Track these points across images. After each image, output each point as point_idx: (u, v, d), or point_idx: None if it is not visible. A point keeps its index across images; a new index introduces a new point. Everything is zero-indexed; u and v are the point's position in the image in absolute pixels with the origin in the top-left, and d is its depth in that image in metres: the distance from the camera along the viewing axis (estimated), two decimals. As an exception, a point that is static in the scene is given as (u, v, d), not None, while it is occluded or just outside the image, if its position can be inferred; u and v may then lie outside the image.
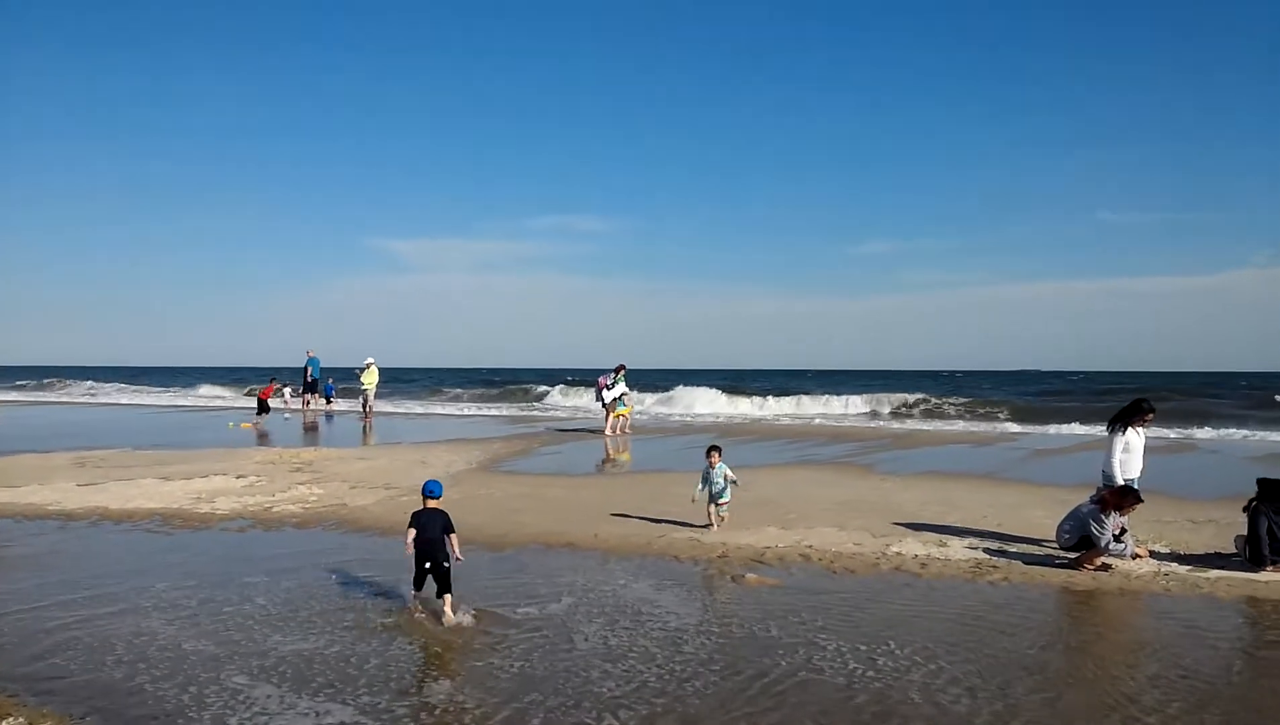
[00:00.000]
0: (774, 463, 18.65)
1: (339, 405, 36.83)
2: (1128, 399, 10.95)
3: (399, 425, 29.64)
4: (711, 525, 10.86)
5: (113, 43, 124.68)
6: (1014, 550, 9.98)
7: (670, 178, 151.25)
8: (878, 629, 7.13)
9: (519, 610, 7.57)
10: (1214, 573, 8.97)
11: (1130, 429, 10.20)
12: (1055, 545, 9.71)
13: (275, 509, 12.41)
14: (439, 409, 40.14)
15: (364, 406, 31.48)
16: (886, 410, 37.98)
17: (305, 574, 8.79)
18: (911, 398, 40.68)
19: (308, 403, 34.69)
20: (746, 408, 39.24)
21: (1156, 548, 9.97)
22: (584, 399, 43.69)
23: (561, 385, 50.70)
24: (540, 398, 47.58)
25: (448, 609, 7.26)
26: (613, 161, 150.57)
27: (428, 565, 7.50)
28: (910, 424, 32.48)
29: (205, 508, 12.45)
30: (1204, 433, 26.52)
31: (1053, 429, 28.74)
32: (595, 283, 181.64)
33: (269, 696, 5.64)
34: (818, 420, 33.84)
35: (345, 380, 39.31)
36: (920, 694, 5.76)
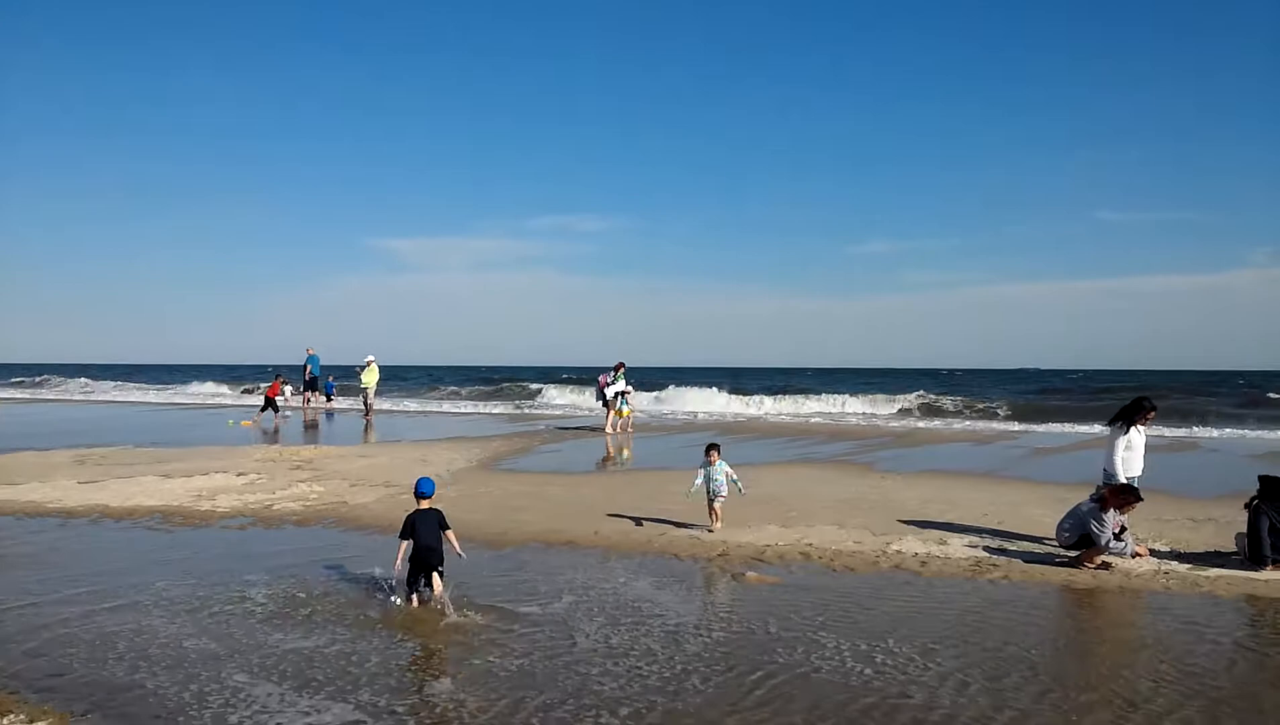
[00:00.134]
0: (774, 461, 18.66)
1: (339, 403, 36.83)
2: (1128, 398, 10.95)
3: (399, 423, 29.65)
4: (714, 525, 10.76)
5: (109, 41, 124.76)
6: (1014, 548, 9.98)
7: (669, 177, 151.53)
8: (878, 627, 7.13)
9: (519, 608, 7.57)
10: (1214, 571, 8.98)
11: (1132, 427, 10.21)
12: (1055, 543, 9.71)
13: (276, 507, 12.41)
14: (434, 407, 40.15)
15: (365, 404, 31.49)
16: (886, 409, 37.97)
17: (305, 572, 8.79)
18: (911, 396, 40.68)
19: (308, 400, 34.69)
20: (746, 406, 39.21)
21: (1156, 546, 9.98)
22: (578, 397, 43.72)
23: (554, 383, 50.70)
24: (534, 396, 47.51)
25: (438, 592, 7.51)
26: (612, 161, 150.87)
27: (435, 569, 7.56)
28: (910, 422, 32.49)
29: (206, 505, 12.46)
30: (1203, 431, 26.55)
31: (1052, 428, 28.77)
32: (594, 282, 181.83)
33: (269, 695, 5.65)
34: (817, 418, 33.84)
35: (345, 378, 39.34)
36: (920, 692, 5.77)
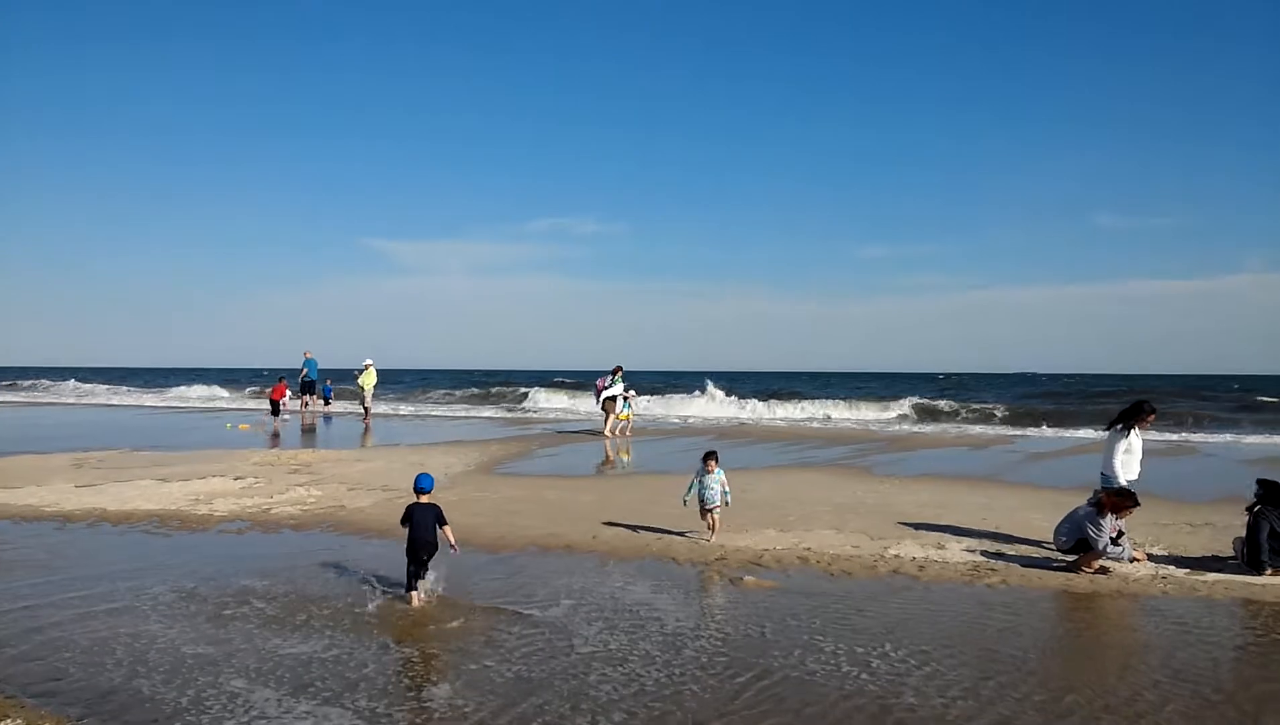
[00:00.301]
0: (772, 465, 18.66)
1: (336, 407, 36.80)
2: (1125, 402, 10.95)
3: (397, 427, 29.63)
4: (706, 534, 10.59)
5: (106, 39, 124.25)
6: (1012, 553, 9.99)
7: (666, 181, 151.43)
8: (875, 631, 7.14)
9: (518, 612, 7.57)
10: (1211, 576, 8.99)
11: (1132, 430, 10.21)
12: (1053, 548, 9.72)
13: (273, 511, 12.40)
14: (425, 410, 40.13)
15: (363, 407, 31.49)
16: (883, 413, 37.95)
17: (303, 576, 8.79)
18: (908, 401, 40.66)
19: (305, 404, 34.68)
20: (743, 410, 39.19)
21: (1154, 550, 9.99)
22: (568, 400, 43.64)
23: (544, 387, 50.54)
24: (521, 399, 47.30)
25: (416, 597, 7.78)
26: (609, 164, 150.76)
27: (423, 558, 7.82)
28: (907, 426, 32.51)
29: (203, 509, 12.45)
30: (1199, 436, 26.59)
31: (1050, 432, 28.79)
32: (591, 285, 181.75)
33: (267, 700, 5.64)
34: (814, 423, 33.86)
35: (342, 382, 39.33)
36: (917, 696, 5.77)
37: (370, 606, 7.75)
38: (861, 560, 9.61)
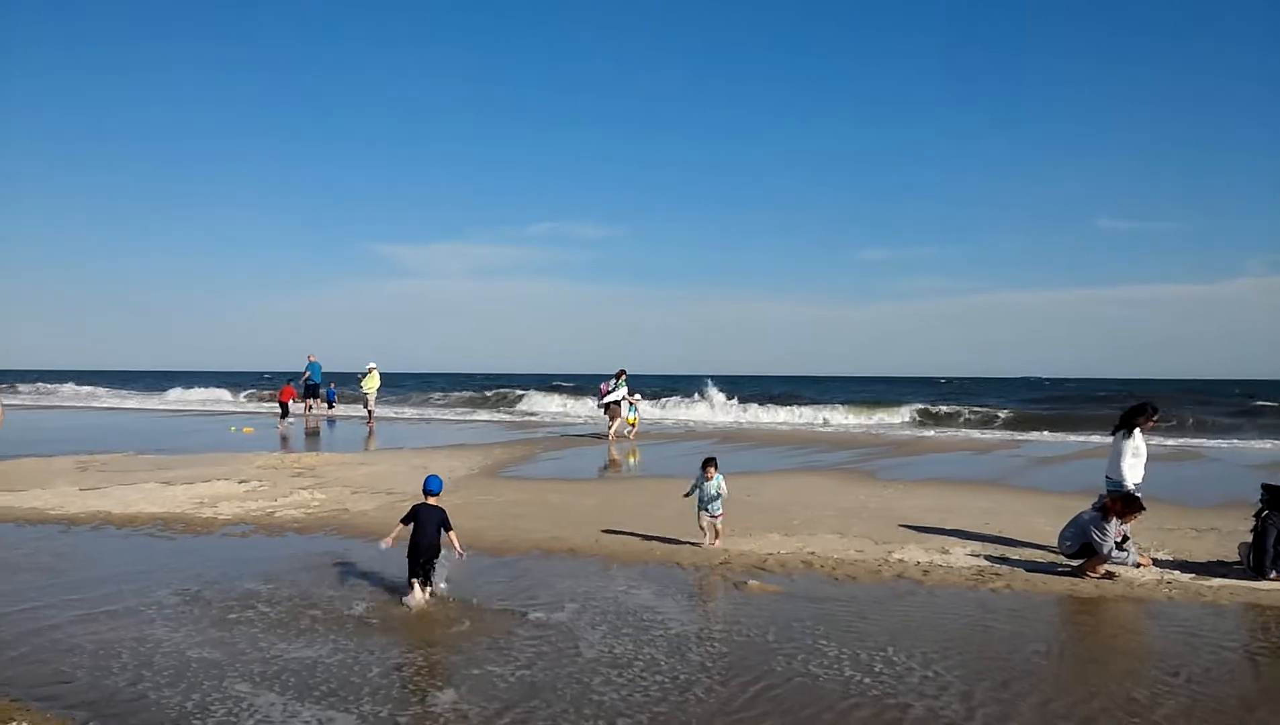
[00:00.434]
0: (776, 469, 18.66)
1: (339, 410, 36.85)
2: (1128, 405, 10.91)
3: (400, 430, 29.66)
4: (703, 541, 10.33)
5: (109, 41, 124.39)
6: (1016, 557, 9.98)
7: (667, 183, 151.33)
8: (879, 636, 7.13)
9: (522, 616, 7.57)
10: (1217, 581, 8.97)
11: (1135, 432, 10.17)
12: (1058, 552, 9.70)
13: (277, 514, 12.41)
14: (419, 412, 40.18)
15: (366, 411, 31.53)
16: (887, 417, 37.90)
17: (307, 580, 8.79)
18: (912, 405, 40.63)
19: (309, 407, 34.71)
20: (746, 414, 39.16)
21: (1159, 555, 9.97)
22: (565, 404, 43.53)
23: (542, 391, 50.51)
24: (515, 402, 47.16)
25: (416, 592, 7.85)
26: (610, 167, 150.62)
27: (421, 560, 7.89)
28: (911, 431, 32.49)
29: (208, 512, 12.46)
30: (1202, 440, 26.55)
31: (1053, 436, 28.76)
32: (593, 289, 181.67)
33: (272, 704, 5.64)
34: (817, 426, 33.84)
35: (344, 385, 39.39)
36: (920, 701, 5.76)
37: (375, 610, 7.75)
38: (866, 565, 9.60)
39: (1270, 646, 7.07)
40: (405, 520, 8.09)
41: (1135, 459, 10.08)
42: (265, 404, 46.94)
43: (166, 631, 7.11)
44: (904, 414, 38.10)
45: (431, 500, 8.14)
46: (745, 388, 54.54)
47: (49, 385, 66.88)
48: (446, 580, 8.17)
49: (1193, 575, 9.21)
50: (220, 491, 14.36)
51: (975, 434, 30.65)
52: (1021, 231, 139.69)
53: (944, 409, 40.03)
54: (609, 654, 6.65)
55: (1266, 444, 25.59)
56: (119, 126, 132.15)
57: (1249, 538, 9.29)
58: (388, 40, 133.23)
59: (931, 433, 30.96)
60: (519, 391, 50.65)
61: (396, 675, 6.22)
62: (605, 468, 19.54)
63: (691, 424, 34.25)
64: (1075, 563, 9.29)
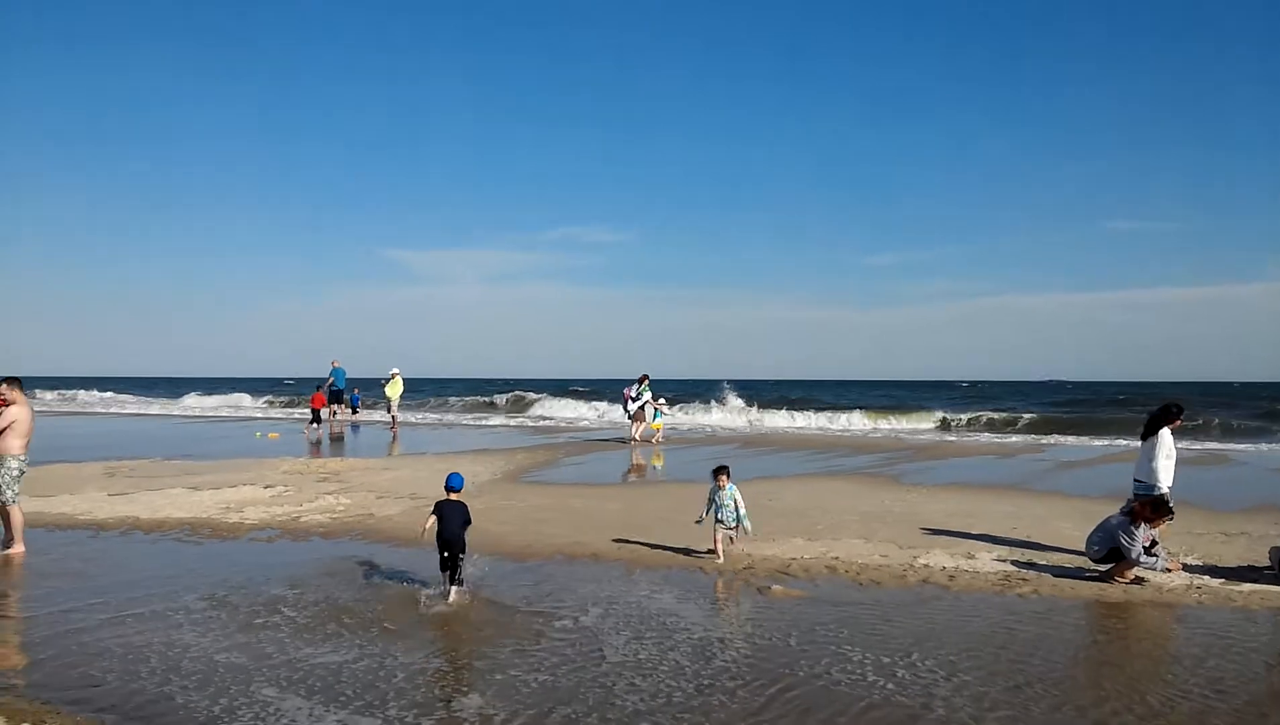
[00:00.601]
0: (798, 473, 18.60)
1: (362, 415, 37.06)
2: (1152, 408, 10.78)
3: (423, 436, 29.79)
4: (719, 557, 9.91)
5: (125, 45, 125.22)
6: (1043, 562, 9.90)
7: (678, 188, 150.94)
8: (905, 641, 7.09)
9: (546, 621, 7.58)
10: (1247, 586, 8.86)
11: (1167, 433, 10.06)
12: (1085, 557, 9.61)
13: (303, 519, 12.50)
14: (440, 417, 40.29)
15: (390, 416, 31.70)
16: (907, 421, 37.70)
17: (333, 584, 8.84)
18: (934, 409, 40.43)
19: (334, 413, 34.90)
20: (766, 418, 39.06)
21: (1188, 560, 9.86)
22: (583, 408, 43.48)
23: (554, 395, 50.62)
24: (531, 407, 47.11)
25: (452, 593, 8.12)
26: (621, 172, 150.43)
27: (446, 554, 8.19)
28: (933, 435, 32.32)
29: (234, 517, 12.56)
30: (1228, 444, 26.25)
31: (1079, 440, 28.53)
32: (605, 293, 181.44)
33: (299, 709, 5.67)
34: (837, 431, 33.71)
35: (368, 391, 39.62)
36: (945, 707, 5.72)
37: (400, 615, 7.78)
38: (890, 569, 9.55)
39: (1303, 652, 6.98)
40: (434, 513, 8.40)
41: (1168, 461, 9.96)
42: (288, 410, 47.27)
43: (194, 636, 7.17)
44: (926, 417, 37.90)
45: (454, 497, 8.40)
46: (759, 392, 54.48)
47: (69, 391, 67.58)
48: (478, 583, 8.48)
49: (1222, 580, 9.10)
50: (246, 497, 14.47)
51: (998, 438, 30.44)
52: (1029, 232, 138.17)
53: (965, 413, 39.83)
54: (633, 659, 6.64)
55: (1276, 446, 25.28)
56: (118, 127, 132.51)
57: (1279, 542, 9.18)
58: (401, 50, 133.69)
59: (953, 436, 30.78)
60: (535, 396, 50.73)
61: (421, 680, 6.24)
62: (628, 472, 19.55)
63: (710, 428, 34.19)
64: (1103, 568, 9.20)
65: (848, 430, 33.77)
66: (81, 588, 8.73)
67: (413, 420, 37.28)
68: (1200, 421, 31.25)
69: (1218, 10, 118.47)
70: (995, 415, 38.25)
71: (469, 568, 8.48)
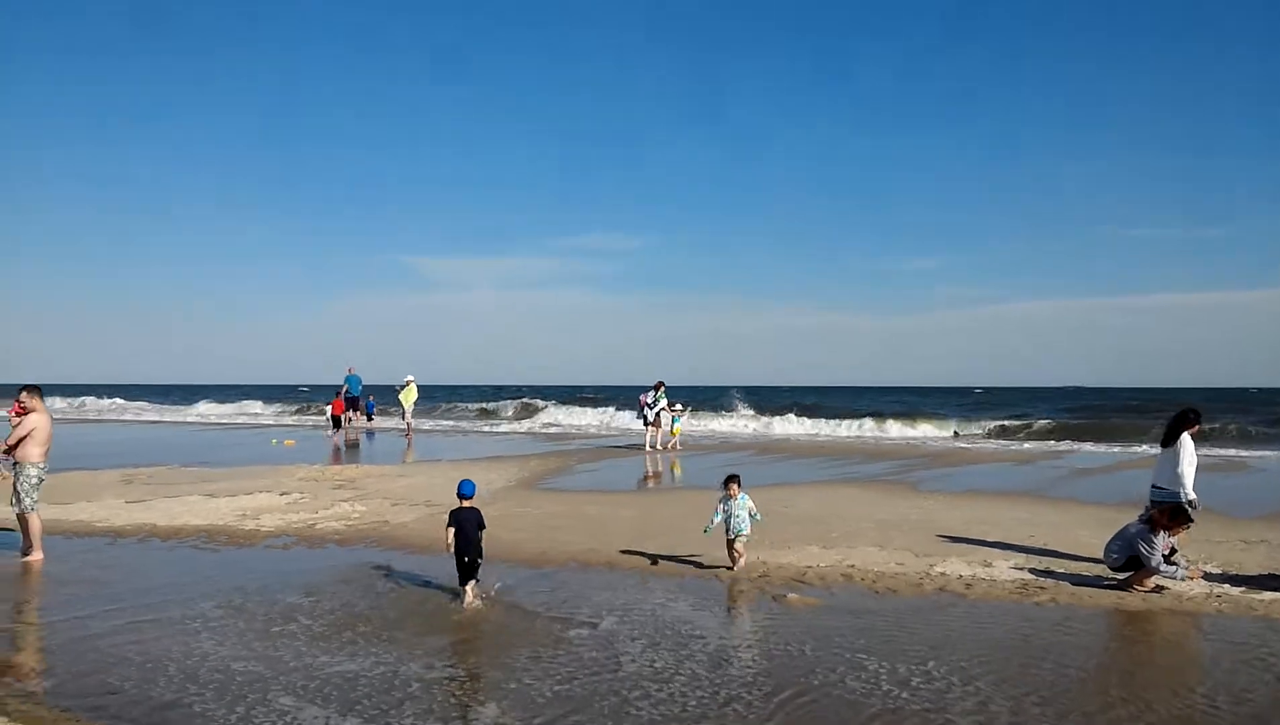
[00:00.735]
0: (813, 480, 18.54)
1: (377, 422, 37.20)
2: (1170, 415, 10.67)
3: (437, 442, 29.86)
4: (735, 566, 9.76)
5: (143, 51, 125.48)
6: (1061, 570, 9.83)
7: (698, 193, 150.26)
8: (920, 650, 7.05)
9: (561, 629, 7.58)
10: (1269, 594, 8.77)
11: (1187, 438, 9.97)
12: (1104, 565, 9.54)
13: (319, 526, 12.54)
14: (446, 424, 40.42)
15: (404, 423, 31.83)
16: (924, 427, 37.53)
17: (349, 592, 8.87)
18: (950, 416, 40.27)
19: (349, 419, 35.06)
20: (781, 425, 38.96)
21: (1208, 568, 9.77)
22: (595, 415, 43.36)
23: (566, 401, 50.57)
24: (546, 414, 47.00)
25: (469, 594, 8.33)
26: (639, 178, 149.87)
27: (465, 559, 8.38)
28: (949, 442, 32.18)
29: (250, 525, 12.61)
30: (1246, 451, 26.05)
31: (1094, 446, 28.35)
32: (623, 299, 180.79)
33: (315, 718, 5.69)
34: (853, 437, 33.61)
35: (382, 398, 39.73)
36: (960, 716, 5.68)
37: (415, 623, 7.80)
38: (907, 578, 9.51)
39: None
40: (450, 526, 8.50)
41: (1191, 468, 9.86)
42: (302, 417, 47.48)
43: (211, 643, 7.19)
44: (941, 423, 37.71)
45: (466, 503, 8.54)
46: (771, 398, 54.40)
47: (76, 398, 67.90)
48: (495, 589, 8.67)
49: (1243, 589, 9.01)
50: (262, 504, 14.53)
51: (1015, 445, 30.29)
52: (1044, 237, 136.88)
53: (982, 419, 39.63)
54: (649, 667, 6.63)
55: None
56: (145, 134, 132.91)
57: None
58: (420, 56, 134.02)
59: (970, 443, 30.65)
60: (550, 403, 50.66)
61: (437, 688, 6.24)
62: (642, 479, 19.54)
63: (724, 435, 34.15)
64: (1122, 576, 9.14)
65: (862, 437, 33.66)
66: (99, 595, 8.78)
67: (426, 427, 37.36)
68: (1217, 425, 30.98)
69: (1249, 14, 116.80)
70: (1010, 423, 38.03)
71: (484, 575, 8.58)
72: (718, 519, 9.81)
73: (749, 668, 6.66)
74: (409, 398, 31.94)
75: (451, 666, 6.75)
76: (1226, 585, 9.14)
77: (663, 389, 24.95)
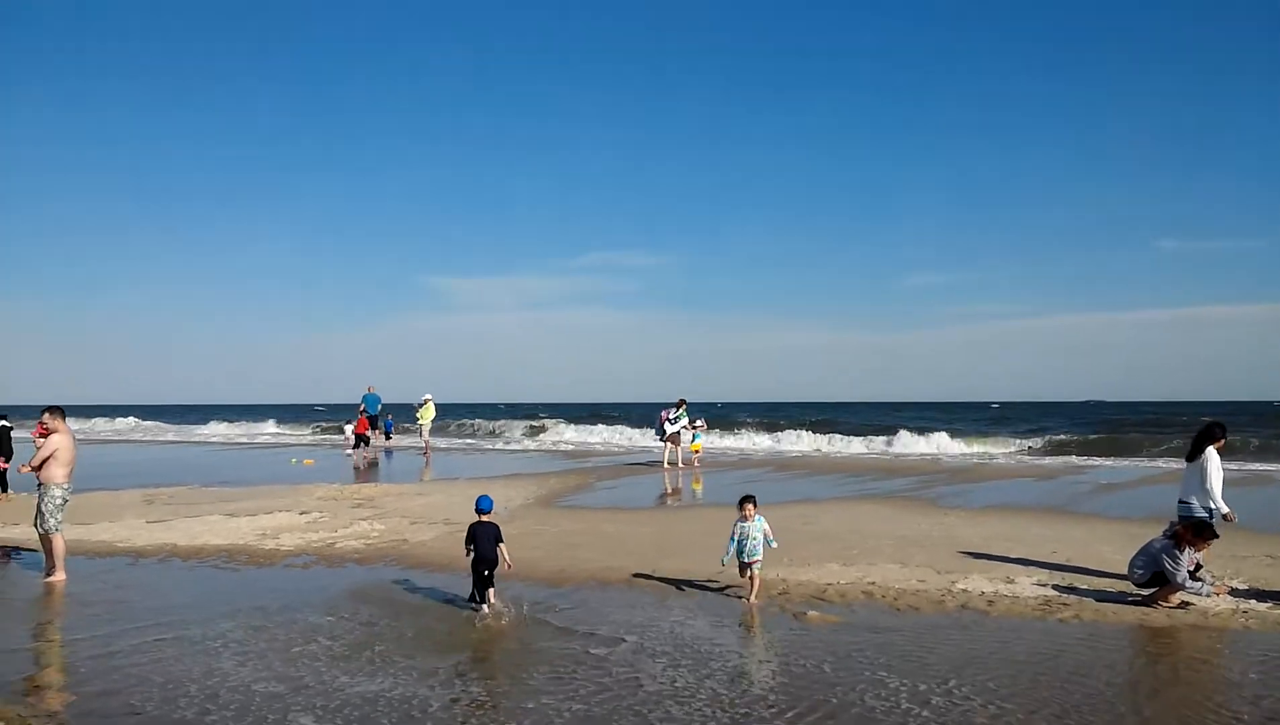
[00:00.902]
0: (833, 497, 18.45)
1: (395, 441, 37.28)
2: (1194, 430, 10.57)
3: (455, 461, 29.91)
4: (750, 596, 9.24)
5: (160, 72, 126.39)
6: (1085, 587, 9.73)
7: (715, 211, 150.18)
8: (941, 668, 6.98)
9: (581, 648, 7.55)
10: (1296, 610, 8.66)
11: (1214, 452, 9.86)
12: (1128, 582, 9.44)
13: (338, 545, 12.57)
14: (464, 443, 40.51)
15: (422, 442, 31.92)
16: (944, 443, 37.24)
17: (368, 611, 8.87)
18: (968, 432, 40.00)
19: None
20: (799, 442, 38.78)
21: (1234, 584, 9.65)
22: (614, 433, 43.20)
23: (584, 419, 50.51)
24: (564, 432, 46.81)
25: (491, 600, 8.70)
26: (659, 197, 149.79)
27: (486, 573, 8.66)
28: (969, 459, 31.96)
29: (270, 544, 12.66)
30: (1271, 464, 25.73)
31: (1116, 461, 28.10)
32: (642, 318, 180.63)
33: (336, 736, 5.68)
34: (871, 453, 33.43)
35: (400, 418, 39.82)
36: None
37: (435, 643, 7.80)
38: (928, 595, 9.43)
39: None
40: (468, 541, 8.78)
41: (1218, 482, 9.74)
42: (321, 436, 47.65)
43: (232, 664, 7.21)
44: (961, 440, 37.41)
45: (484, 518, 8.81)
46: (789, 415, 54.23)
47: (88, 419, 68.20)
48: (514, 606, 8.80)
49: (1270, 604, 8.89)
50: (282, 523, 14.58)
51: (1036, 460, 30.07)
52: (1083, 253, 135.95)
53: (1002, 434, 39.34)
54: (669, 686, 6.60)
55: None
56: (162, 157, 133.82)
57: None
58: (438, 79, 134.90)
59: (990, 459, 30.44)
60: (568, 421, 50.63)
61: (457, 708, 6.23)
62: (660, 497, 19.50)
63: (741, 451, 34.05)
64: (1146, 592, 9.03)
65: (878, 453, 33.46)
66: (121, 615, 8.82)
67: (443, 445, 37.44)
68: (1238, 438, 30.62)
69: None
70: (1032, 440, 37.71)
71: (505, 593, 8.74)
72: (732, 548, 9.30)
73: (769, 686, 6.62)
74: (427, 416, 32.03)
75: (472, 686, 6.73)
76: (1253, 601, 9.02)
77: (684, 407, 24.97)
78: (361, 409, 34.07)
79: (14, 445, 19.20)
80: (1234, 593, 9.31)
